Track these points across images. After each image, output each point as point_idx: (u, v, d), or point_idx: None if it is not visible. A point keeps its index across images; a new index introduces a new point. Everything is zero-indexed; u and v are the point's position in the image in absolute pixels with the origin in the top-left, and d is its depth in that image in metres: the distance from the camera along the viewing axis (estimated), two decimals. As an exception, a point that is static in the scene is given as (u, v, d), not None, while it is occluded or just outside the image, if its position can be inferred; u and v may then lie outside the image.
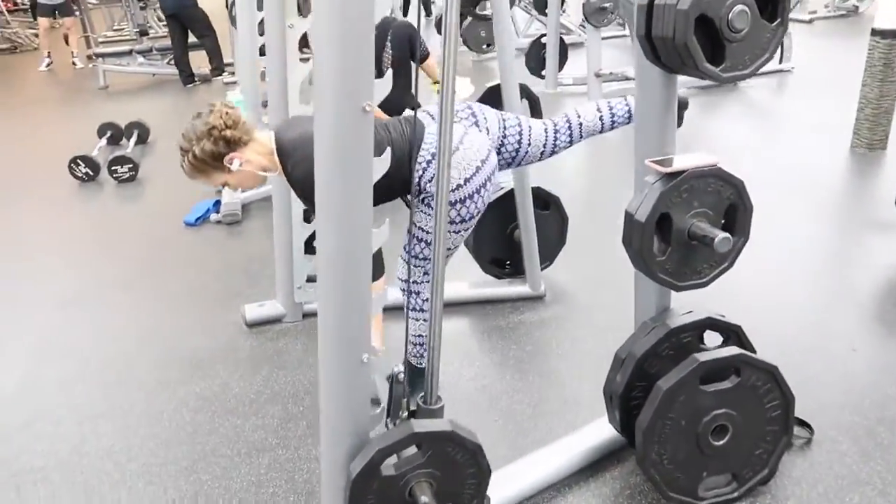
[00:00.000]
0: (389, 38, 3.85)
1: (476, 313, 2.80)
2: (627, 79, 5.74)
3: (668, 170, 1.57)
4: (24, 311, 3.06)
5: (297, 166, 1.82)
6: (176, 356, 2.63)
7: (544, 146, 2.20)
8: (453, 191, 1.94)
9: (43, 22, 9.23)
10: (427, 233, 2.01)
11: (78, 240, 3.87)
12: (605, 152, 4.89)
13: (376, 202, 1.92)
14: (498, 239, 2.87)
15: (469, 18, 8.05)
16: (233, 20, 5.44)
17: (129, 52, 8.19)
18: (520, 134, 2.16)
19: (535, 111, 2.80)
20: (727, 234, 1.54)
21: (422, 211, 2.02)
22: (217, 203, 3.98)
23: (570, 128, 2.23)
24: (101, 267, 3.47)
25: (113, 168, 4.64)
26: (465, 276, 2.94)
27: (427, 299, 2.16)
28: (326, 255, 1.28)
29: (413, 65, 3.92)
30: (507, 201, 2.75)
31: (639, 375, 1.80)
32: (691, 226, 1.61)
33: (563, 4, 6.48)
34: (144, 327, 2.86)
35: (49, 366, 2.63)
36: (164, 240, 3.76)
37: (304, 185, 1.77)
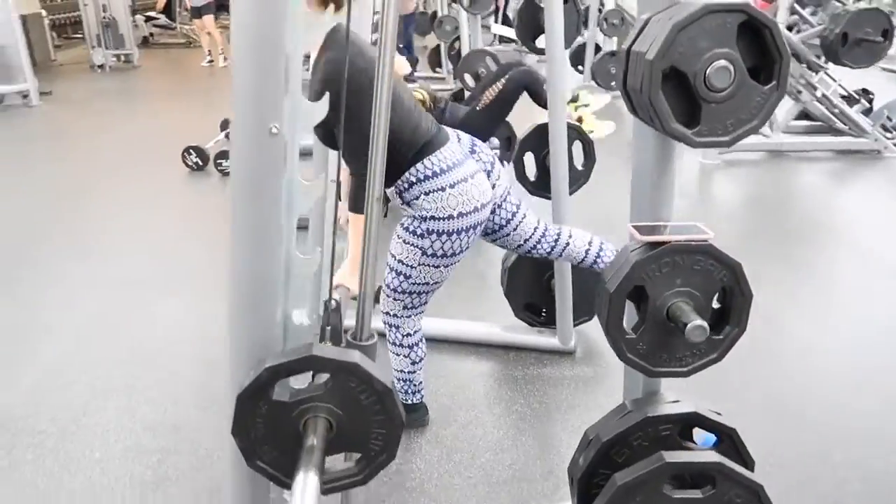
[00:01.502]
0: (506, 78, 3.80)
1: (496, 358, 2.65)
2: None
3: (648, 238, 1.38)
4: (89, 286, 3.29)
5: (328, 60, 1.72)
6: (203, 354, 2.68)
7: (524, 241, 2.17)
8: (444, 219, 1.85)
9: (196, 22, 10.11)
10: (401, 262, 1.93)
11: (164, 225, 4.12)
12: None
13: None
14: (534, 284, 2.71)
15: (602, 52, 7.86)
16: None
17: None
18: (512, 215, 2.12)
19: (589, 155, 2.63)
20: (702, 323, 1.33)
21: (397, 235, 1.93)
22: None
23: (556, 241, 2.20)
24: (173, 255, 3.66)
25: (219, 161, 4.93)
26: (496, 318, 2.81)
27: (408, 334, 2.08)
28: (235, 281, 1.23)
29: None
30: (546, 246, 2.59)
31: (603, 461, 1.60)
32: (671, 305, 1.41)
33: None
34: (187, 320, 2.97)
35: (89, 341, 2.80)
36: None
37: (321, 77, 1.70)
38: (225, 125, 5.83)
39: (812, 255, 3.75)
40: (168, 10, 12.86)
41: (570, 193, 2.48)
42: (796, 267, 3.52)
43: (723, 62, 1.11)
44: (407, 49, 8.38)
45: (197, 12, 9.80)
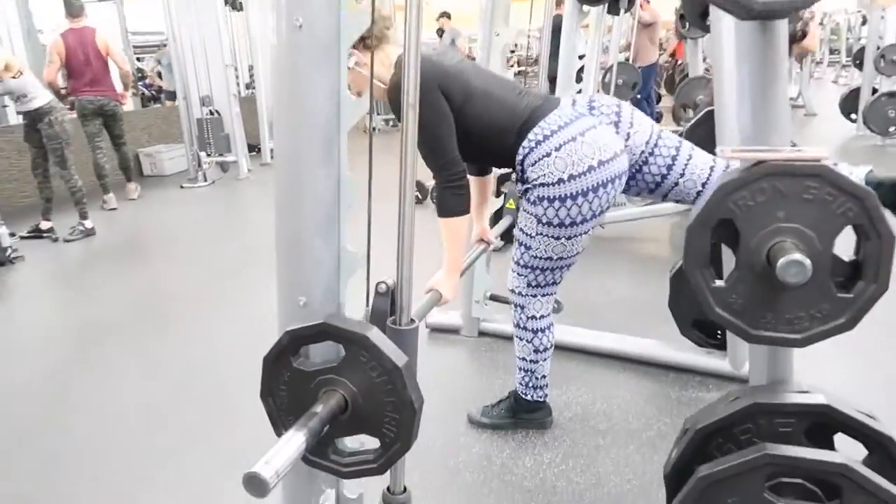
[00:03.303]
0: None
1: (651, 376, 2.33)
2: None
3: (737, 156, 1.12)
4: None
5: (392, 89, 1.72)
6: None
7: (703, 185, 1.76)
8: (554, 184, 1.70)
9: None
10: (527, 235, 1.80)
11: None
12: None
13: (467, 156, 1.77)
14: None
15: (877, 93, 6.82)
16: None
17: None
18: (673, 160, 1.78)
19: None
20: (800, 258, 1.02)
21: (523, 208, 1.81)
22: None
23: None
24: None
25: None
26: (657, 332, 2.47)
27: (532, 316, 1.93)
28: (281, 282, 1.26)
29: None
30: (720, 252, 2.24)
31: (699, 455, 1.28)
32: (773, 246, 1.11)
33: None
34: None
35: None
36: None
37: (395, 106, 1.65)
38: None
39: None
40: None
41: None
42: None
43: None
44: (647, 101, 8.13)
45: None
